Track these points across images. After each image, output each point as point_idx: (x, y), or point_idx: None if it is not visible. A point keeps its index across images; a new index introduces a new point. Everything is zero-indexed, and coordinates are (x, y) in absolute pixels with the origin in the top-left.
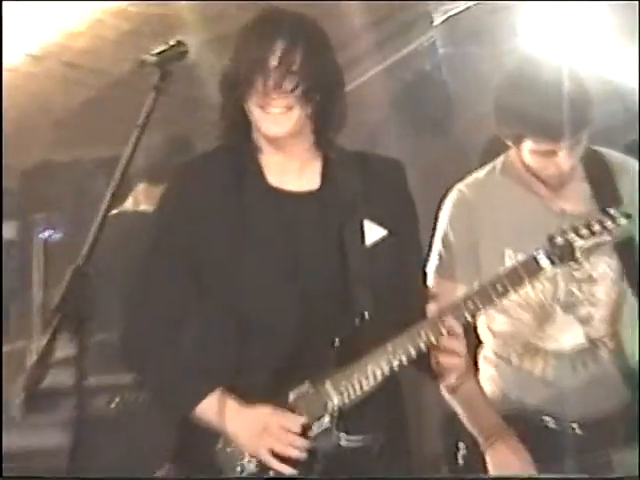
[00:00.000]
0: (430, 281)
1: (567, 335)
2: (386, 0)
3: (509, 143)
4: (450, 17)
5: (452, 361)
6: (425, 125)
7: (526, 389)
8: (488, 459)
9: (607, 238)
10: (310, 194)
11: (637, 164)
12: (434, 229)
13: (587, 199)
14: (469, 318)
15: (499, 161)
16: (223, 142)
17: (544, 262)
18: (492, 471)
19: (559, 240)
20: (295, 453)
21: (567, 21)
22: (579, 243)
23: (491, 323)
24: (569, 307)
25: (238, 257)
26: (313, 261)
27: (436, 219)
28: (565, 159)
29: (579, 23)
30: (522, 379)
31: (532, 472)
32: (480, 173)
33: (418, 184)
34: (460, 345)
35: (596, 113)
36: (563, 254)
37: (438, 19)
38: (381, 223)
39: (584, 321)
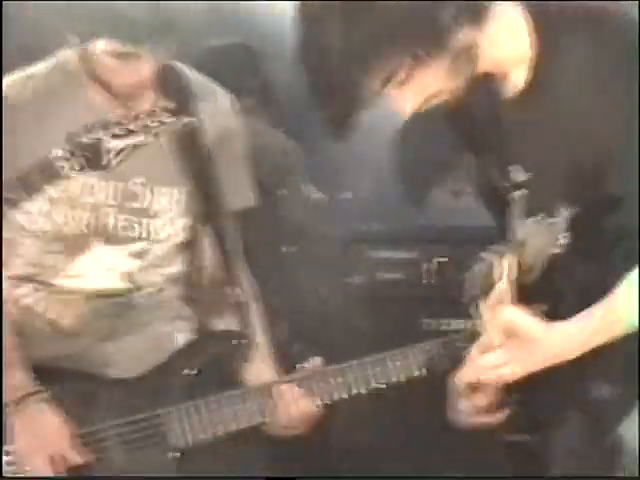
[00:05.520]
0: None
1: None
2: None
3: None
4: None
5: None
6: None
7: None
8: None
9: (149, 139)
10: None
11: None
12: None
13: None
14: None
15: (59, 58)
16: None
17: (62, 165)
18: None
19: (84, 139)
20: None
21: None
22: (111, 144)
23: (17, 249)
24: (113, 240)
25: None
26: None
27: None
28: (146, 64)
29: None
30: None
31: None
32: (33, 70)
33: None
34: None
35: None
36: (90, 156)
37: None
38: None
39: (136, 256)
